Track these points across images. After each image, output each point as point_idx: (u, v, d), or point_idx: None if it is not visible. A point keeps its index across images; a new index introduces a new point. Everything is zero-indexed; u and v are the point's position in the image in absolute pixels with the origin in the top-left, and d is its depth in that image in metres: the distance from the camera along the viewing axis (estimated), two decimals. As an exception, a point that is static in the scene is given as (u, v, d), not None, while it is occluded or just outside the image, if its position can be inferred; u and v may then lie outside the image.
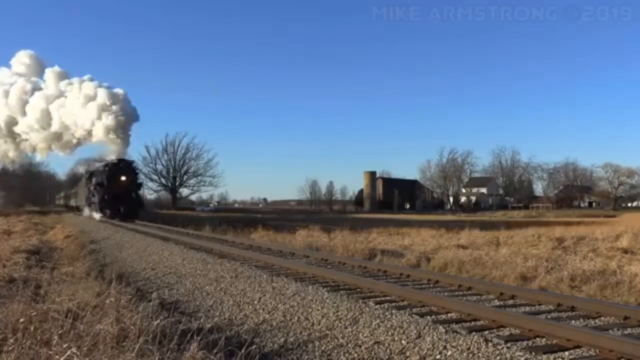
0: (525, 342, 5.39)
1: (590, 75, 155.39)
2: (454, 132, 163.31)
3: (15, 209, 59.98)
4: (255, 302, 7.92)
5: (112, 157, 34.50)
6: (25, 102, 40.86)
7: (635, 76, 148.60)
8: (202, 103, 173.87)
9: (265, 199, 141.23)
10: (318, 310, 7.01)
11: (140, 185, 36.24)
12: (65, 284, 8.69)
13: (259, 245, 15.73)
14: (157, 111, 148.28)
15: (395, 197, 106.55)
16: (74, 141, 41.72)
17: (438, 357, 5.17)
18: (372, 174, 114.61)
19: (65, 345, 4.75)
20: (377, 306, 6.98)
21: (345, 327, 6.30)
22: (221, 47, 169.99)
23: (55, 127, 39.22)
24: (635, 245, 16.87)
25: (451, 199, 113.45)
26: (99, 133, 34.72)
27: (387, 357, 5.43)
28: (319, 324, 6.58)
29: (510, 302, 7.59)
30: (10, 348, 4.76)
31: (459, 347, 5.21)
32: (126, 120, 34.76)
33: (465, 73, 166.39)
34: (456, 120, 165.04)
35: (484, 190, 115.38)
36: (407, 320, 6.10)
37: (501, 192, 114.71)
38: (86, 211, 39.72)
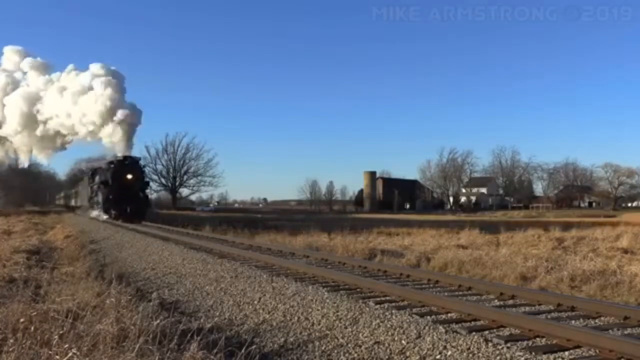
0: (525, 342, 5.39)
1: (590, 75, 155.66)
2: (454, 132, 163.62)
3: (15, 209, 59.97)
4: (255, 302, 7.92)
5: (117, 154, 32.03)
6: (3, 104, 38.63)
7: (635, 76, 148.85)
8: (202, 103, 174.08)
9: (265, 199, 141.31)
10: (318, 310, 7.01)
11: (147, 184, 34.17)
12: (65, 284, 8.70)
13: (259, 245, 15.73)
14: (157, 111, 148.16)
15: (395, 197, 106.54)
16: (60, 141, 39.48)
17: (438, 357, 5.16)
18: (372, 174, 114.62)
19: (65, 346, 4.75)
20: (377, 306, 6.98)
21: (345, 327, 6.30)
22: (221, 47, 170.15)
23: (42, 126, 37.06)
24: (635, 245, 16.87)
25: (451, 199, 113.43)
26: (102, 128, 32.48)
27: (387, 357, 5.43)
28: (319, 324, 6.58)
29: (510, 302, 7.59)
30: (10, 348, 4.75)
31: (459, 347, 5.21)
32: (131, 113, 32.39)
33: (465, 73, 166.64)
34: (456, 120, 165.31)
35: (484, 190, 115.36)
36: (407, 320, 6.10)
37: (501, 192, 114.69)
38: (89, 211, 37.59)
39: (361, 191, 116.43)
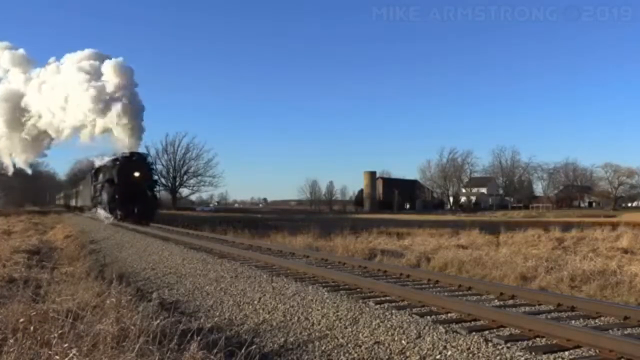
0: (525, 342, 5.39)
1: (590, 75, 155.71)
2: (454, 132, 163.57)
3: (15, 209, 59.97)
4: (255, 302, 7.92)
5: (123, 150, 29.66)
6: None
7: (635, 76, 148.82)
8: (202, 103, 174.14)
9: (265, 199, 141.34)
10: (318, 310, 7.01)
11: (155, 182, 31.16)
12: (65, 284, 8.70)
13: (259, 245, 15.73)
14: (157, 111, 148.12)
15: (395, 197, 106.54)
16: (47, 142, 37.35)
17: (438, 357, 5.16)
18: (372, 174, 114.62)
19: (65, 345, 4.75)
20: (377, 306, 6.98)
21: (345, 327, 6.30)
22: (221, 47, 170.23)
23: (27, 127, 34.85)
24: (635, 245, 16.88)
25: (451, 199, 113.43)
26: (105, 121, 30.04)
27: (387, 357, 5.43)
28: (319, 324, 6.58)
29: (510, 302, 7.59)
30: (10, 349, 4.75)
31: (459, 347, 5.21)
32: (137, 106, 30.17)
33: (465, 73, 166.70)
34: (456, 120, 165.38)
35: (484, 190, 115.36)
36: (407, 320, 6.10)
37: (501, 192, 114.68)
38: (92, 212, 35.08)
39: (361, 191, 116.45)
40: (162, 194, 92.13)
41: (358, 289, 8.48)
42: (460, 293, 8.34)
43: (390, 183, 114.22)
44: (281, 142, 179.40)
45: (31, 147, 38.94)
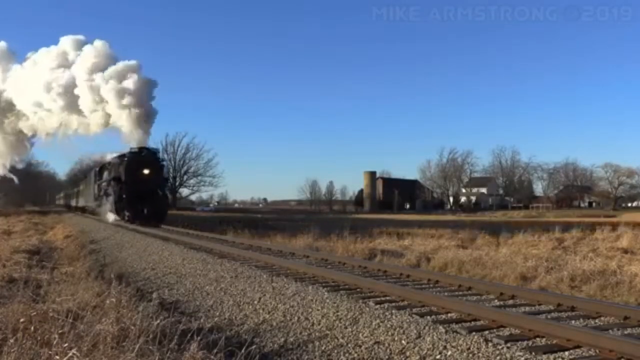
0: (525, 342, 5.39)
1: (590, 75, 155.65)
2: (454, 132, 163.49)
3: (15, 209, 59.95)
4: (255, 302, 7.92)
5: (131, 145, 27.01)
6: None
7: (635, 76, 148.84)
8: (202, 103, 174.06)
9: (265, 199, 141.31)
10: (318, 310, 7.01)
11: (166, 180, 29.36)
12: (65, 284, 8.70)
13: (259, 245, 15.73)
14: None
15: (395, 197, 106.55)
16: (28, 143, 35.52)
17: (438, 357, 5.17)
18: (372, 174, 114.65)
19: (65, 345, 4.75)
20: (377, 306, 6.98)
21: (345, 327, 6.30)
22: (221, 47, 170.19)
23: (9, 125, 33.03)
24: (635, 245, 16.88)
25: (451, 199, 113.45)
26: (111, 111, 27.64)
27: (387, 357, 5.43)
28: (319, 324, 6.58)
29: (510, 302, 7.59)
30: (10, 349, 4.75)
31: (459, 347, 5.21)
32: (148, 95, 27.55)
33: (465, 73, 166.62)
34: (456, 120, 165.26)
35: (484, 190, 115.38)
36: (407, 320, 6.10)
37: (501, 192, 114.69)
38: (96, 213, 32.68)
39: (361, 191, 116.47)
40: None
41: (358, 289, 8.48)
42: (460, 293, 8.34)
43: (390, 183, 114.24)
44: (281, 142, 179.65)
45: (15, 147, 37.46)
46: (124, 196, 25.95)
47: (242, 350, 5.19)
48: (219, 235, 19.28)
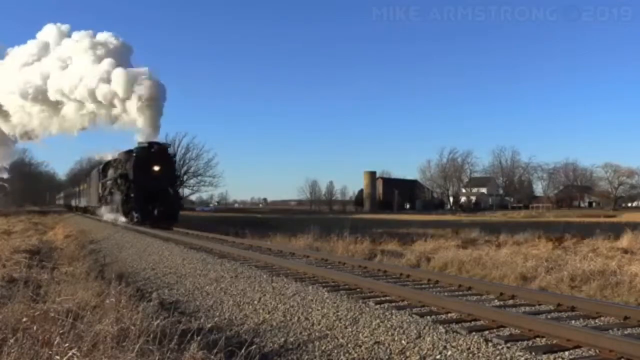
0: (525, 342, 5.39)
1: (590, 75, 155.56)
2: (454, 132, 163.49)
3: (15, 209, 59.95)
4: (255, 302, 7.92)
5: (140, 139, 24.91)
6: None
7: (635, 76, 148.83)
8: (202, 103, 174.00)
9: (265, 199, 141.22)
10: (318, 310, 7.01)
11: (178, 177, 27.00)
12: (65, 284, 8.69)
13: (259, 245, 15.73)
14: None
15: (395, 197, 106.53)
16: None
17: (438, 357, 5.17)
18: (372, 174, 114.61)
19: (65, 345, 4.75)
20: (377, 306, 6.98)
21: (345, 327, 6.30)
22: (221, 47, 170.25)
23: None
24: (635, 245, 16.86)
25: (451, 199, 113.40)
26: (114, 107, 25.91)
27: (387, 357, 5.43)
28: (319, 324, 6.58)
29: (510, 302, 7.59)
30: (10, 349, 4.75)
31: (459, 347, 5.21)
32: (157, 88, 25.34)
33: (465, 73, 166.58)
34: (456, 120, 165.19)
35: (484, 190, 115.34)
36: (407, 320, 6.10)
37: (501, 192, 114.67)
38: (101, 213, 30.15)
39: (361, 191, 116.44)
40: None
41: (358, 289, 8.48)
42: (460, 293, 8.34)
43: (390, 183, 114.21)
44: (281, 142, 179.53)
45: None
46: (131, 195, 23.74)
47: (242, 350, 5.20)
48: (219, 235, 19.26)
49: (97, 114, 29.71)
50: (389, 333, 5.84)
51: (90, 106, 28.52)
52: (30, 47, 31.20)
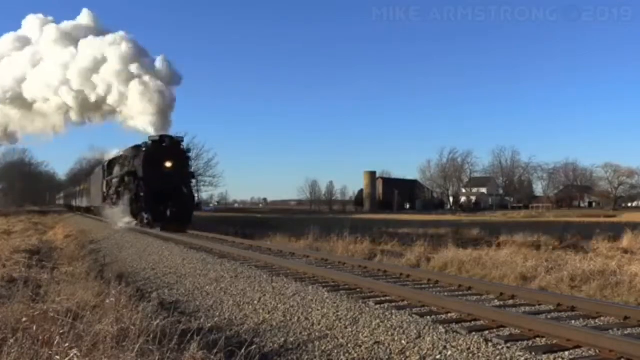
0: (525, 342, 5.39)
1: (590, 75, 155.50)
2: (454, 132, 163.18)
3: (15, 209, 59.95)
4: (255, 302, 7.92)
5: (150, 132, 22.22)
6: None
7: (635, 76, 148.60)
8: (202, 103, 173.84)
9: (265, 199, 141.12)
10: (318, 310, 7.01)
11: (192, 175, 23.88)
12: (65, 284, 8.70)
13: (259, 245, 15.73)
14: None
15: (395, 197, 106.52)
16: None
17: (438, 357, 5.17)
18: (372, 174, 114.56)
19: (65, 345, 4.75)
20: (377, 306, 6.98)
21: (345, 327, 6.30)
22: (221, 47, 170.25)
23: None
24: (635, 245, 16.87)
25: (451, 199, 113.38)
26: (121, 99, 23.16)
27: (387, 357, 5.43)
28: (319, 324, 6.58)
29: (510, 302, 7.59)
30: (10, 349, 4.75)
31: (459, 347, 5.21)
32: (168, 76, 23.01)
33: (465, 73, 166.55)
34: (456, 120, 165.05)
35: (484, 190, 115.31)
36: (407, 320, 6.10)
37: (501, 192, 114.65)
38: (106, 215, 27.19)
39: (361, 191, 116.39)
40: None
41: (358, 289, 8.48)
42: (460, 293, 8.34)
43: (390, 183, 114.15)
44: (281, 142, 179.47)
45: None
46: (141, 194, 21.52)
47: (242, 350, 5.20)
48: (219, 235, 19.26)
49: (84, 109, 27.30)
50: (389, 333, 5.84)
51: (70, 100, 26.15)
52: (6, 43, 28.85)
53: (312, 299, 7.45)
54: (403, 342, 5.59)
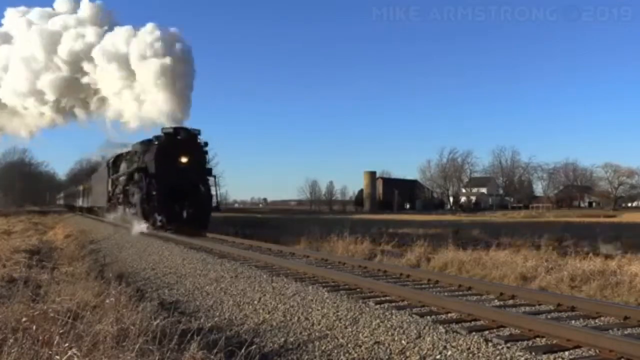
0: (525, 342, 5.39)
1: (590, 75, 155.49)
2: (454, 132, 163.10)
3: (15, 209, 59.95)
4: (255, 302, 7.92)
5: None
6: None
7: (635, 76, 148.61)
8: (202, 103, 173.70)
9: (265, 199, 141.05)
10: (318, 310, 7.01)
11: (210, 172, 20.88)
12: (65, 284, 8.70)
13: (259, 245, 15.73)
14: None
15: (395, 197, 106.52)
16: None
17: (438, 357, 5.17)
18: (372, 174, 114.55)
19: (65, 345, 4.75)
20: (377, 306, 6.98)
21: (345, 327, 6.30)
22: (220, 47, 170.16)
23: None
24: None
25: (451, 199, 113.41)
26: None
27: (387, 357, 5.43)
28: (319, 324, 6.58)
29: (510, 302, 7.59)
30: (10, 349, 4.75)
31: (459, 347, 5.21)
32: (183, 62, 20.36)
33: (465, 73, 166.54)
34: (456, 120, 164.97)
35: (484, 190, 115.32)
36: (407, 320, 6.10)
37: (501, 192, 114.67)
38: (113, 216, 25.13)
39: (361, 191, 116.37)
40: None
41: (358, 289, 8.48)
42: (460, 293, 8.34)
43: (390, 183, 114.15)
44: (281, 142, 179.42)
45: None
46: (153, 193, 19.06)
47: (242, 350, 5.19)
48: (219, 235, 19.24)
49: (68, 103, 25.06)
50: (389, 333, 5.84)
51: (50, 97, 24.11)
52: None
53: (312, 299, 7.45)
54: (403, 342, 5.59)
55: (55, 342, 4.88)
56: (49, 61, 23.49)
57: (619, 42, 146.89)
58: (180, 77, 20.07)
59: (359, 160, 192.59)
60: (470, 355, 5.04)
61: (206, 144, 20.23)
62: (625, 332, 5.87)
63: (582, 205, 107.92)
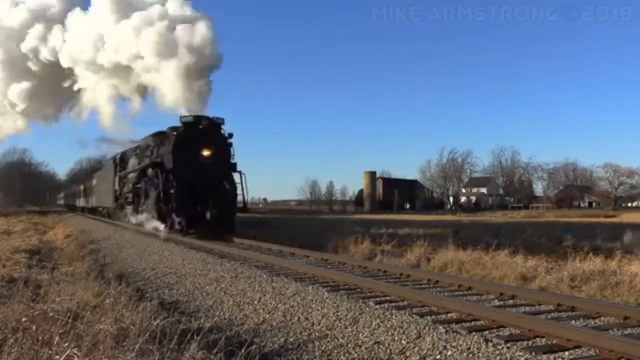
0: (525, 342, 5.40)
1: (590, 75, 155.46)
2: (454, 132, 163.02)
3: (15, 209, 59.95)
4: (255, 302, 7.92)
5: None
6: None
7: (635, 76, 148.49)
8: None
9: (265, 199, 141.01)
10: (318, 310, 7.01)
11: (234, 166, 17.86)
12: (65, 284, 8.69)
13: (259, 245, 15.72)
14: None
15: (395, 197, 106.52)
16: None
17: (438, 357, 5.17)
18: (372, 174, 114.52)
19: (65, 345, 4.75)
20: (377, 306, 6.98)
21: (345, 327, 6.30)
22: (220, 47, 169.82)
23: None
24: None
25: (451, 199, 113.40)
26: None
27: (387, 357, 5.43)
28: (319, 324, 6.58)
29: (510, 302, 7.59)
30: (11, 349, 4.75)
31: (459, 347, 5.21)
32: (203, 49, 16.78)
33: (465, 73, 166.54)
34: (456, 120, 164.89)
35: (484, 190, 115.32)
36: (407, 320, 6.10)
37: (501, 192, 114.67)
38: (119, 217, 23.75)
39: (361, 191, 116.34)
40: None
41: (358, 289, 8.48)
42: (460, 293, 8.34)
43: (390, 183, 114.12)
44: (281, 142, 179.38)
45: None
46: (171, 192, 16.51)
47: (242, 350, 5.19)
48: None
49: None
50: (389, 333, 5.84)
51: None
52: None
53: (312, 299, 7.45)
54: (403, 342, 5.59)
55: (55, 342, 4.88)
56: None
57: (619, 42, 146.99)
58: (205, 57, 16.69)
59: (359, 160, 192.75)
60: (470, 355, 5.04)
61: (231, 135, 17.61)
62: (625, 332, 5.87)
63: (582, 205, 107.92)
